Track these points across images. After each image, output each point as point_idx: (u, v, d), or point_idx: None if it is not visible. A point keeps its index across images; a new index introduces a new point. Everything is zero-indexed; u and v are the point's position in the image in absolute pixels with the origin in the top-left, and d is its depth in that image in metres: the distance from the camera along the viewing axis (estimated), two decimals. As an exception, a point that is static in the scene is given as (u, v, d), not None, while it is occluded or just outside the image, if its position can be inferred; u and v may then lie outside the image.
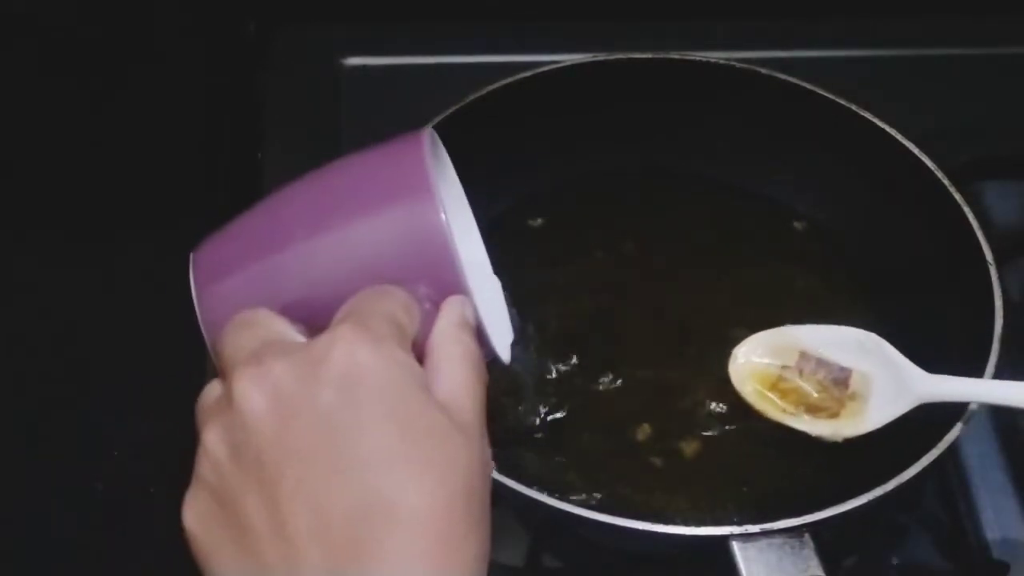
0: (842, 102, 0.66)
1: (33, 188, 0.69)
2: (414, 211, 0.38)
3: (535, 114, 0.67)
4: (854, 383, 0.56)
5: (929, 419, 0.54)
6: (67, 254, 0.67)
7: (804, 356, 0.58)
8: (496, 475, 0.46)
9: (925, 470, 0.52)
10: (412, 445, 0.34)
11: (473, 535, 0.34)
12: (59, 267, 0.66)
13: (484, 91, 0.65)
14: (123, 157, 0.71)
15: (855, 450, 0.55)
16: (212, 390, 0.37)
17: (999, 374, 0.54)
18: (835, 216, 0.70)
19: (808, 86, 0.67)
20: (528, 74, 0.67)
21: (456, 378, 0.37)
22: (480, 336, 0.39)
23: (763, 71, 0.68)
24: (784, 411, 0.57)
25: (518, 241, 0.70)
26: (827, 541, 0.50)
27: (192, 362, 0.57)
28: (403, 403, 0.35)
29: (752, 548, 0.49)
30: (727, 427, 0.61)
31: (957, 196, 0.61)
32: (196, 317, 0.40)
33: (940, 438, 0.52)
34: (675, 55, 0.69)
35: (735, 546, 0.49)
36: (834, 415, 0.56)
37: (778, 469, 0.59)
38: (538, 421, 0.62)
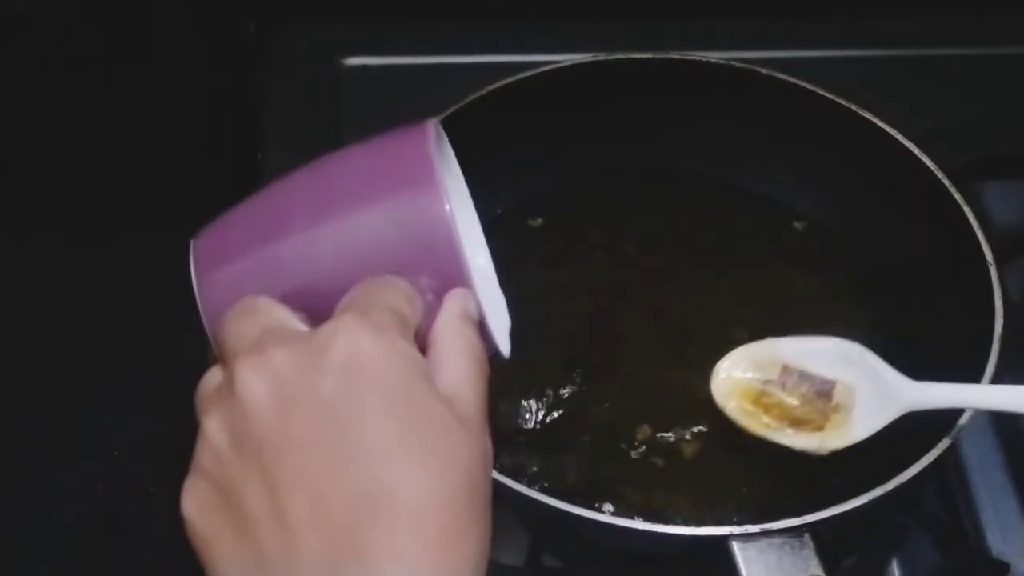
0: (842, 102, 0.66)
1: (33, 188, 0.69)
2: (418, 201, 0.38)
3: (535, 114, 0.67)
4: (838, 394, 0.56)
5: (929, 419, 0.54)
6: (67, 254, 0.67)
7: (786, 369, 0.57)
8: (496, 475, 0.46)
9: (925, 470, 0.52)
10: (414, 436, 0.34)
11: (474, 529, 0.34)
12: (59, 267, 0.66)
13: (484, 91, 0.65)
14: (123, 157, 0.71)
15: (855, 450, 0.55)
16: (212, 377, 0.37)
17: (999, 374, 0.54)
18: (835, 216, 0.70)
19: (808, 86, 0.67)
20: (528, 74, 0.67)
21: (459, 371, 0.37)
22: (482, 329, 0.39)
23: (763, 71, 0.68)
24: (768, 426, 0.56)
25: (518, 241, 0.69)
26: (827, 541, 0.50)
27: (192, 362, 0.57)
28: (405, 394, 0.34)
29: (752, 548, 0.49)
30: (727, 427, 0.61)
31: (957, 196, 0.61)
32: (197, 307, 0.40)
33: (940, 438, 0.52)
34: (675, 55, 0.69)
35: (735, 546, 0.49)
36: (819, 428, 0.55)
37: (778, 469, 0.59)
38: (538, 421, 0.62)
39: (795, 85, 0.67)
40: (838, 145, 0.68)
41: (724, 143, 0.72)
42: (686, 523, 0.56)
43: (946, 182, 0.62)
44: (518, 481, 0.51)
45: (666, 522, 0.51)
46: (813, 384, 0.56)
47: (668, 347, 0.65)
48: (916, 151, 0.64)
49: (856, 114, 0.66)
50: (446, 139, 0.42)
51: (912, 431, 0.54)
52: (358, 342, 0.34)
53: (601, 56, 0.69)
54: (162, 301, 0.64)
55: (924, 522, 0.62)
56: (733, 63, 0.68)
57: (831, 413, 0.55)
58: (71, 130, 0.71)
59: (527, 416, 0.62)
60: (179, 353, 0.61)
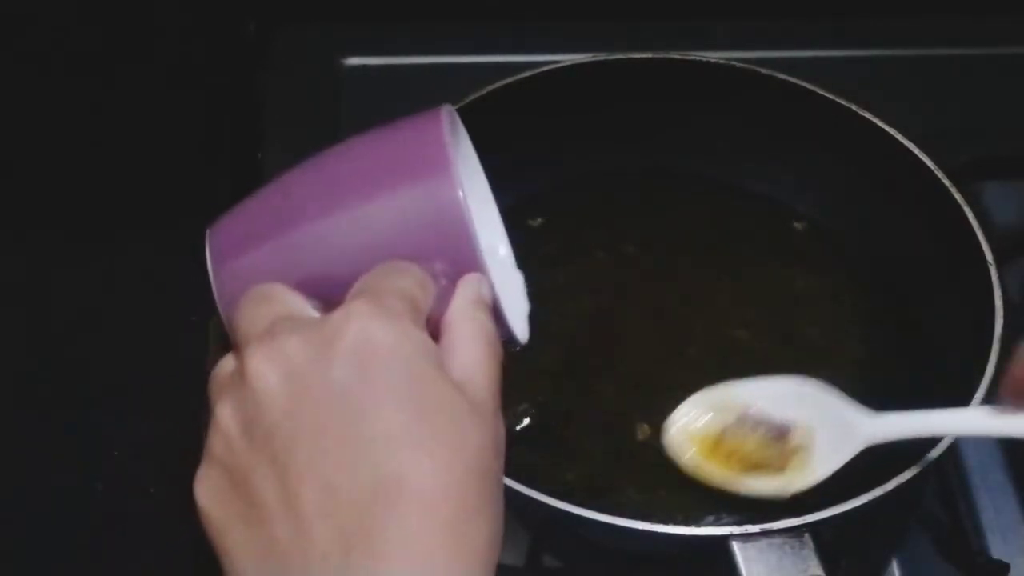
0: (842, 102, 0.66)
1: (33, 188, 0.69)
2: (431, 186, 0.38)
3: (535, 114, 0.67)
4: (797, 435, 0.54)
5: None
6: (67, 254, 0.67)
7: (742, 414, 0.55)
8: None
9: (925, 470, 0.52)
10: (424, 423, 0.34)
11: (484, 514, 0.34)
12: (59, 267, 0.66)
13: (484, 91, 0.65)
14: (123, 157, 0.72)
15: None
16: (226, 364, 0.37)
17: (999, 374, 0.54)
18: (835, 216, 0.70)
19: (808, 86, 0.67)
20: (528, 74, 0.67)
21: (471, 356, 0.37)
22: (496, 315, 0.39)
23: (763, 71, 0.68)
24: (727, 474, 0.55)
25: (518, 241, 0.69)
26: (827, 541, 0.50)
27: (192, 362, 0.57)
28: (416, 380, 0.34)
29: (752, 548, 0.49)
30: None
31: (957, 196, 0.61)
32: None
33: (940, 438, 0.52)
34: (675, 55, 0.69)
35: (735, 546, 0.49)
36: (780, 470, 0.54)
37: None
38: (538, 421, 0.62)
39: (795, 85, 0.67)
40: (838, 145, 0.68)
41: (724, 143, 0.72)
42: (686, 523, 0.56)
43: (946, 182, 0.62)
44: (518, 481, 0.51)
45: (666, 522, 0.51)
46: (770, 427, 0.54)
47: (668, 347, 0.65)
48: (916, 151, 0.64)
49: (856, 114, 0.66)
50: (460, 123, 0.42)
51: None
52: (369, 328, 0.34)
53: (601, 56, 0.69)
54: (162, 301, 0.64)
55: (924, 522, 0.62)
56: (733, 63, 0.68)
57: (791, 455, 0.54)
58: (71, 130, 0.71)
59: (527, 416, 0.62)
60: (179, 353, 0.61)
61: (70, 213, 0.68)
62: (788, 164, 0.71)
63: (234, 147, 0.76)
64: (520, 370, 0.63)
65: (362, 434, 0.33)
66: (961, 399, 0.53)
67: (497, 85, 0.66)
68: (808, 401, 0.54)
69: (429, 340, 0.36)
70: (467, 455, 0.34)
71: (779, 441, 0.54)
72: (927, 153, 0.63)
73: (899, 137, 0.64)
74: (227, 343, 0.38)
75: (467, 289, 0.38)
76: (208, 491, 0.35)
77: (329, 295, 0.37)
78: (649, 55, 0.69)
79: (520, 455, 0.60)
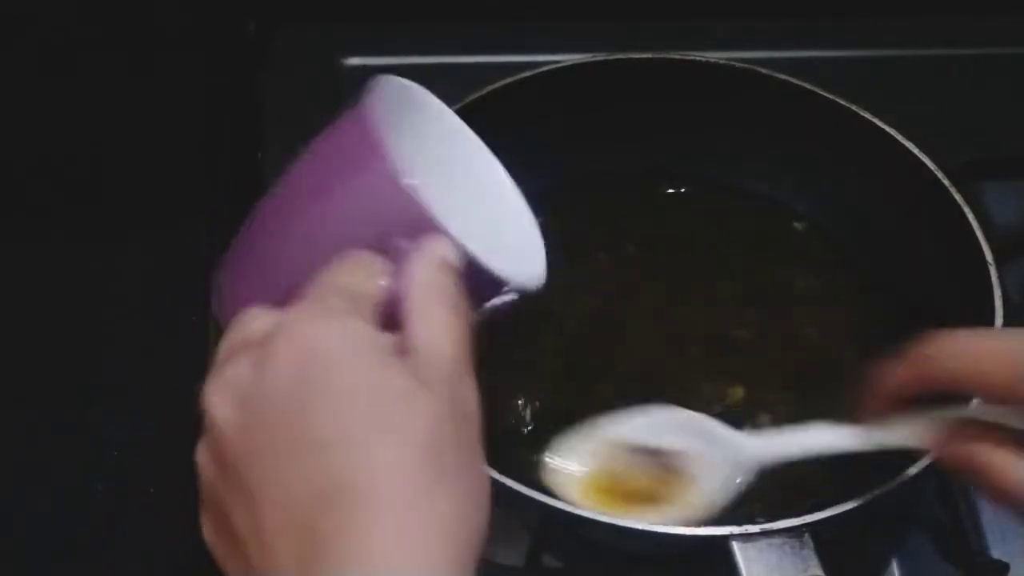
0: (842, 102, 0.66)
1: (33, 188, 0.69)
2: (361, 165, 0.38)
3: (535, 114, 0.67)
4: (684, 464, 0.52)
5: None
6: (67, 254, 0.67)
7: (624, 450, 0.53)
8: (496, 475, 0.45)
9: (925, 470, 0.51)
10: (366, 415, 0.33)
11: (441, 490, 0.33)
12: (59, 267, 0.66)
13: (484, 91, 0.65)
14: (123, 157, 0.72)
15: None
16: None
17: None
18: (835, 216, 0.70)
19: (808, 86, 0.67)
20: (528, 74, 0.67)
21: (431, 320, 0.36)
22: (478, 272, 0.38)
23: (763, 71, 0.68)
24: (625, 510, 0.52)
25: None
26: (827, 541, 0.50)
27: (192, 362, 0.57)
28: (354, 374, 0.34)
29: (752, 548, 0.49)
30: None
31: (957, 196, 0.61)
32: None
33: (940, 438, 0.52)
34: (675, 55, 0.69)
35: (735, 546, 0.49)
36: (672, 501, 0.52)
37: (778, 469, 0.59)
38: (538, 421, 0.62)
39: (795, 85, 0.67)
40: (838, 145, 0.68)
41: (724, 143, 0.72)
42: (686, 523, 0.56)
43: (946, 182, 0.62)
44: (518, 481, 0.51)
45: (666, 522, 0.51)
46: (655, 459, 0.52)
47: (668, 347, 0.65)
48: (916, 151, 0.64)
49: (856, 114, 0.66)
50: (422, 91, 0.42)
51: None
52: (304, 333, 0.34)
53: (601, 56, 0.69)
54: (162, 301, 0.64)
55: (924, 522, 0.62)
56: (733, 63, 0.68)
57: (687, 484, 0.52)
58: (71, 130, 0.71)
59: (527, 416, 0.62)
60: (179, 353, 0.61)
61: (70, 213, 0.68)
62: (788, 164, 0.71)
63: (234, 147, 0.76)
64: (520, 370, 0.63)
65: (314, 440, 0.33)
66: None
67: (497, 85, 0.66)
68: (689, 430, 0.52)
69: (370, 329, 0.35)
70: (415, 435, 0.33)
71: (669, 472, 0.52)
72: (927, 153, 0.63)
73: (899, 137, 0.64)
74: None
75: (423, 256, 0.37)
76: (208, 529, 0.36)
77: None
78: (649, 55, 0.69)
79: (520, 455, 0.60)
